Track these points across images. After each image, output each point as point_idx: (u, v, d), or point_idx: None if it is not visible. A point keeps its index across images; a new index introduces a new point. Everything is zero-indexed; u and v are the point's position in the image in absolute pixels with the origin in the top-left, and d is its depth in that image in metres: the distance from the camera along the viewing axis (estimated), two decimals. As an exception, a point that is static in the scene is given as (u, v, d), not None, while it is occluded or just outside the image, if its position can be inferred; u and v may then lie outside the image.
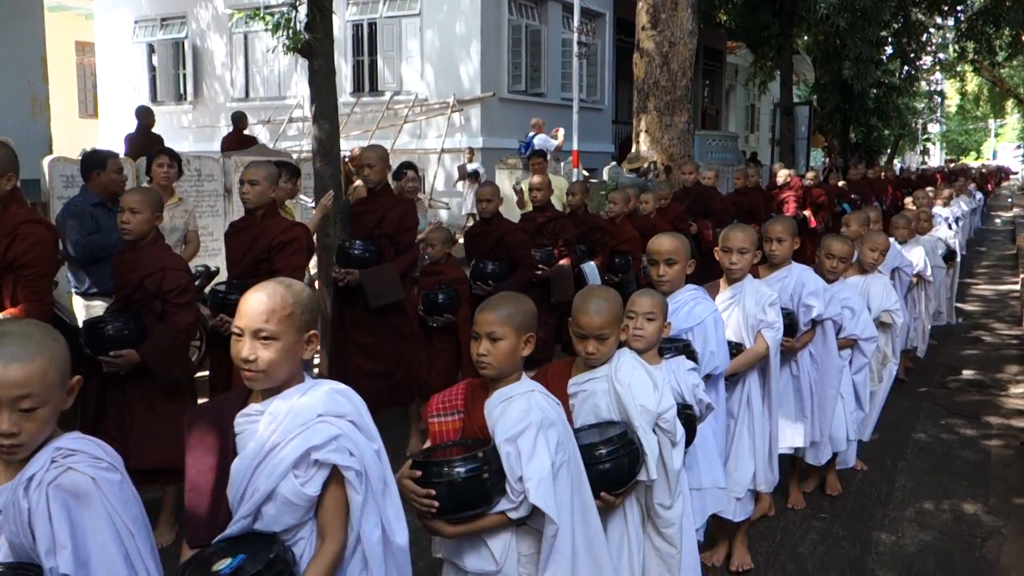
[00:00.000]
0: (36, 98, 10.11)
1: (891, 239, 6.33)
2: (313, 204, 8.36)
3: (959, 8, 27.58)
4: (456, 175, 15.98)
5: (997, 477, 5.64)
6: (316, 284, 7.12)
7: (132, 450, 4.00)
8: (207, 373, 5.44)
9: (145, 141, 10.64)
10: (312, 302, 2.30)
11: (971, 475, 5.67)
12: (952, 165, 41.06)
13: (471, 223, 10.50)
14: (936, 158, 65.15)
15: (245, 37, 19.45)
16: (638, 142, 13.77)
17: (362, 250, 5.58)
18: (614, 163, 16.10)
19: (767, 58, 25.67)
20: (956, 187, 14.84)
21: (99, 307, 5.17)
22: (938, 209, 11.18)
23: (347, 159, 6.83)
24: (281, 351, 2.19)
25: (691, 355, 3.46)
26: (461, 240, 8.84)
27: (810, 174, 14.52)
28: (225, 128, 19.74)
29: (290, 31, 7.36)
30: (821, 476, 5.26)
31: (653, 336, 3.22)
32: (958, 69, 35.47)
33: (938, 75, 42.18)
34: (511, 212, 10.97)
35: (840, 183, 15.64)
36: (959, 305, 11.60)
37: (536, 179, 7.29)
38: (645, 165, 11.83)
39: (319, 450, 2.13)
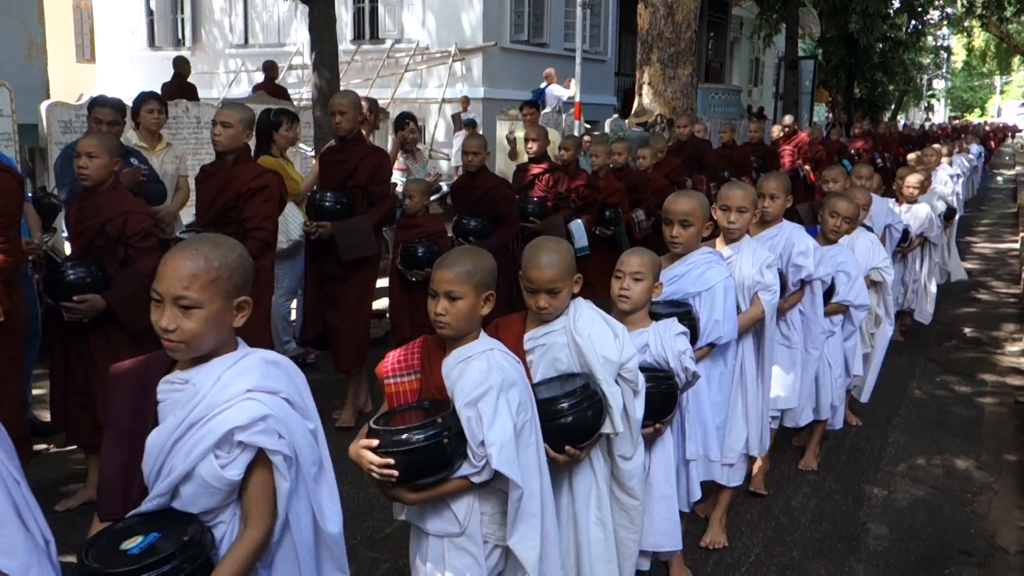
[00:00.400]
0: (32, 41, 9.99)
1: (880, 196, 6.30)
2: (313, 153, 8.31)
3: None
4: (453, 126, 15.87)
5: (990, 433, 5.70)
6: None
7: (101, 403, 3.89)
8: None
9: (180, 91, 10.80)
10: (244, 264, 2.09)
11: (964, 431, 5.72)
12: (956, 122, 40.78)
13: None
14: (940, 115, 64.72)
15: (244, -18, 19.20)
16: (641, 94, 13.67)
17: (333, 202, 5.30)
18: (616, 116, 15.98)
19: (773, 11, 25.38)
20: (957, 145, 14.73)
21: None
22: (943, 167, 11.11)
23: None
24: (204, 320, 1.98)
25: (691, 321, 3.34)
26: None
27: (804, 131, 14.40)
28: (224, 74, 19.59)
29: (290, -24, 7.24)
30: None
31: (641, 297, 3.12)
32: (965, 24, 35.01)
33: (945, 30, 41.68)
34: (505, 163, 10.93)
35: (841, 139, 15.53)
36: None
37: (535, 130, 7.10)
38: (652, 119, 11.75)
39: (244, 431, 1.94)
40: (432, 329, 2.50)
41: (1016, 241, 13.74)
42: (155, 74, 19.75)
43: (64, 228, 5.59)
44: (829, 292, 4.64)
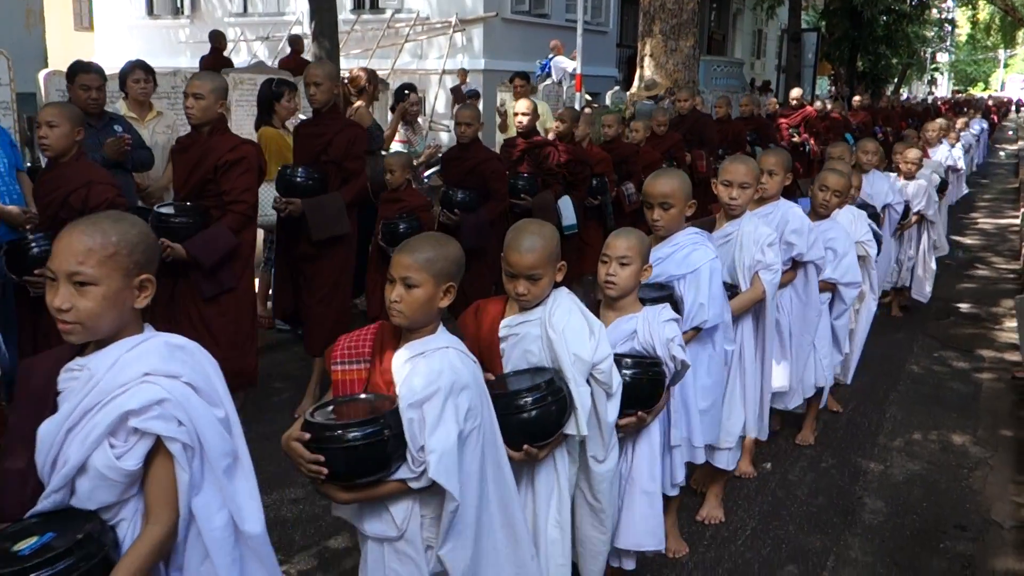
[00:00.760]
0: (31, 9, 9.92)
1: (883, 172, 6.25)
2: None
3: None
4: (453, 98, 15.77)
5: (987, 409, 5.72)
6: None
7: None
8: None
9: (216, 65, 10.94)
10: (146, 240, 1.96)
11: (961, 407, 5.75)
12: (959, 96, 40.56)
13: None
14: (944, 88, 64.35)
15: (243, -51, 19.01)
16: (642, 66, 13.58)
17: (305, 177, 5.01)
18: (617, 88, 15.89)
19: (777, -19, 25.15)
20: (958, 123, 14.64)
21: None
22: (944, 143, 11.05)
23: (346, 80, 6.71)
24: (101, 299, 1.85)
25: (674, 305, 3.18)
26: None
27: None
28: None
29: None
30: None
31: (628, 282, 2.96)
32: (970, -4, 34.77)
33: (950, 2, 41.39)
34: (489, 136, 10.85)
35: (841, 112, 15.42)
36: (957, 238, 11.63)
37: (523, 103, 6.78)
38: (662, 92, 11.66)
39: (138, 416, 1.82)
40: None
41: (1017, 217, 13.71)
42: (154, 42, 19.65)
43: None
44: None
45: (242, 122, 7.89)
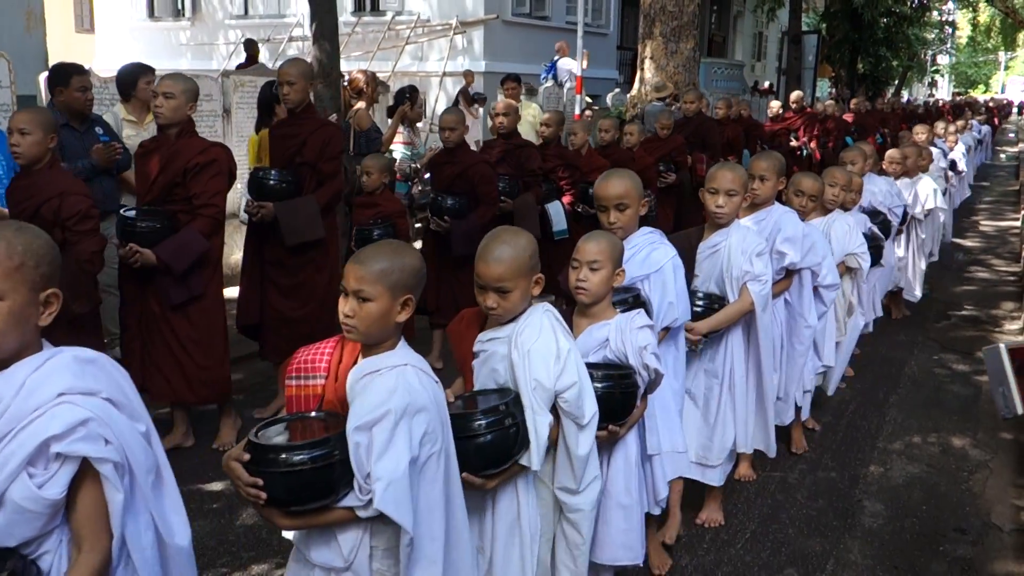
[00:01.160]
0: (31, 11, 9.92)
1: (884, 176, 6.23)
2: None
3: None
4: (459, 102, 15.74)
5: (987, 412, 5.71)
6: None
7: None
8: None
9: (253, 73, 11.09)
10: (51, 252, 1.83)
11: (961, 410, 5.74)
12: (959, 98, 40.56)
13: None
14: (944, 91, 64.34)
15: (244, -48, 19.03)
16: (643, 68, 13.57)
17: (278, 180, 4.83)
18: (617, 90, 15.90)
19: (777, -16, 25.16)
20: (959, 125, 14.62)
21: None
22: (939, 143, 11.05)
23: (346, 82, 6.72)
24: (7, 315, 1.71)
25: (642, 306, 3.06)
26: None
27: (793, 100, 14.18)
28: (224, 46, 19.45)
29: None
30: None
31: (599, 288, 2.82)
32: (971, -1, 34.80)
33: (950, 5, 41.40)
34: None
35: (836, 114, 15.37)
36: (957, 240, 11.62)
37: (502, 104, 6.62)
38: (672, 94, 11.64)
39: (61, 440, 1.67)
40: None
41: (1017, 219, 13.72)
42: (154, 45, 19.65)
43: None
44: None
45: (242, 124, 7.90)
